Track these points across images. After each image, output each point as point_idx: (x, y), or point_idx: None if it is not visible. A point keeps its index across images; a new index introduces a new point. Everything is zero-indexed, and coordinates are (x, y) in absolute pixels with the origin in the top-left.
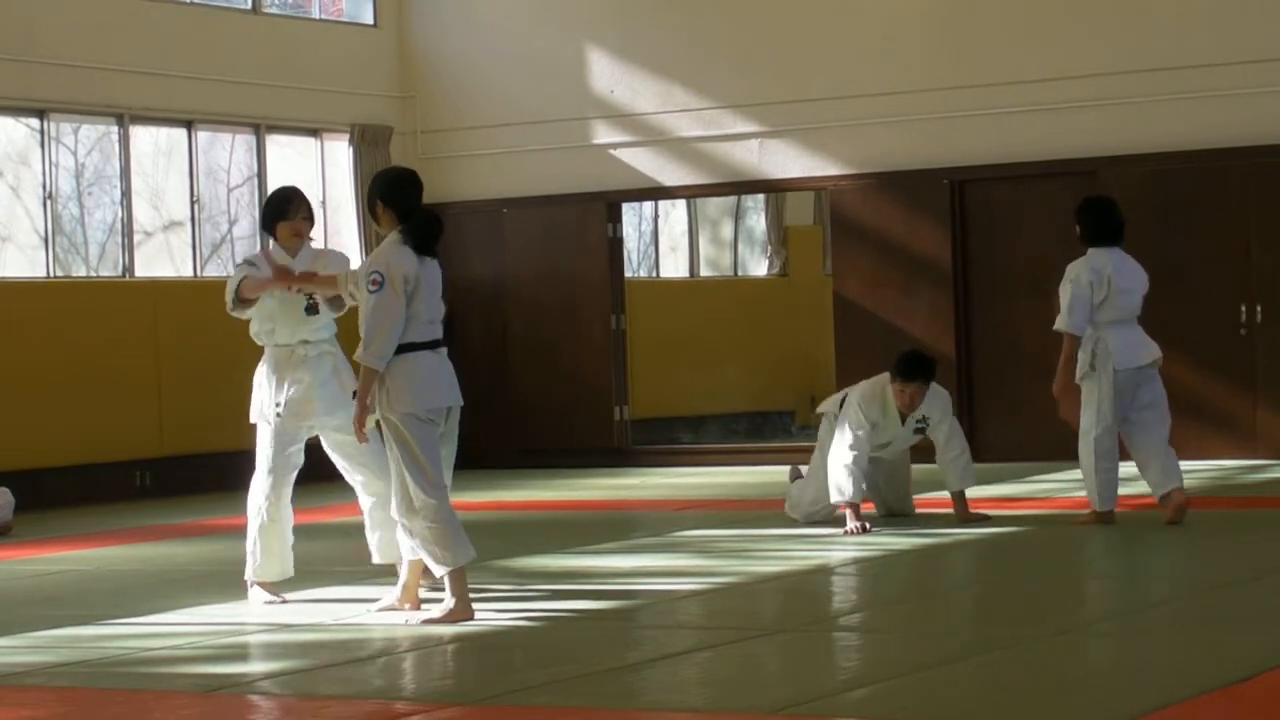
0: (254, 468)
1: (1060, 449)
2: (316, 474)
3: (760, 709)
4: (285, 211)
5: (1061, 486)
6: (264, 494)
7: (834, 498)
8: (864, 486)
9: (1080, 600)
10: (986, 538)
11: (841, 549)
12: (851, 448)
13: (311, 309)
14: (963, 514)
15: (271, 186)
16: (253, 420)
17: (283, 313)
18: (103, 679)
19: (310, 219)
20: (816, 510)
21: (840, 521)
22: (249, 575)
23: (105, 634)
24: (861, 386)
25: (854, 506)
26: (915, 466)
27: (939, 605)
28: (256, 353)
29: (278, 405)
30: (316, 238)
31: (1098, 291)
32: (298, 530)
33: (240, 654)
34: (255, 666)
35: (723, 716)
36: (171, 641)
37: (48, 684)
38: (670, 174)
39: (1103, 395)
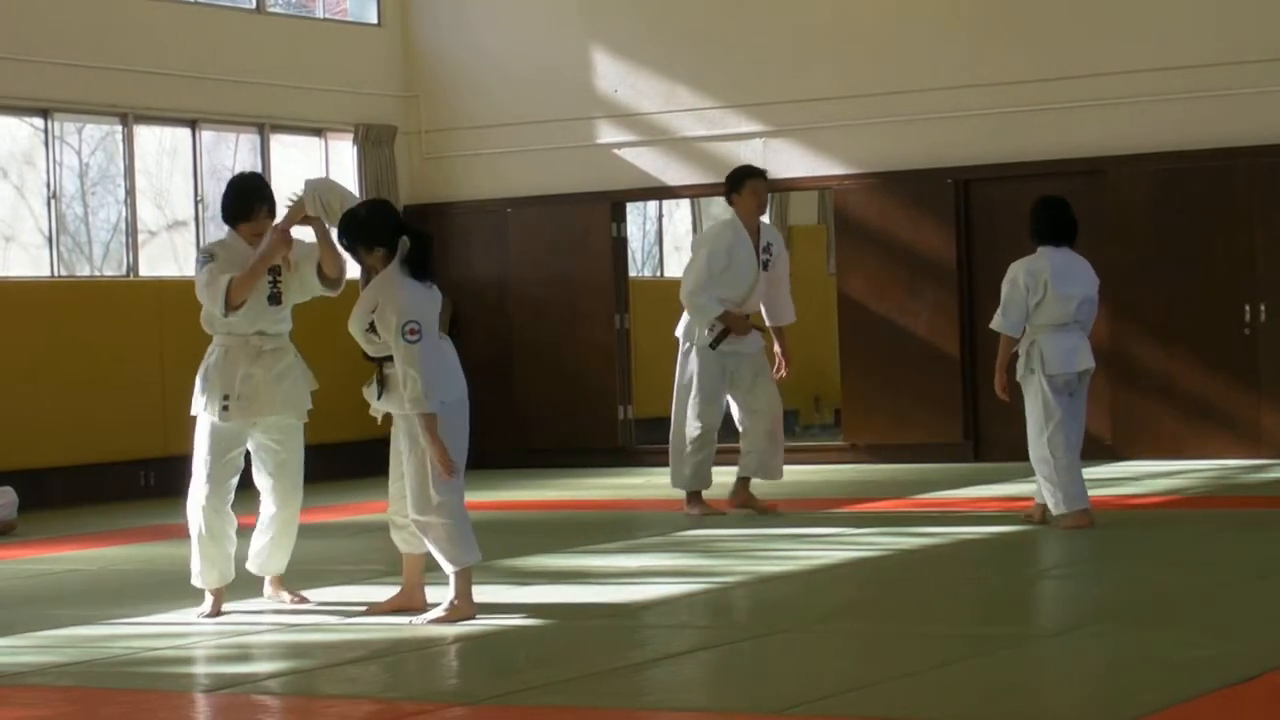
0: (191, 472)
1: None
2: (317, 475)
3: (764, 709)
4: (250, 211)
5: None
6: (201, 505)
7: (701, 321)
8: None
9: (1081, 600)
10: (987, 538)
11: (843, 549)
12: (704, 273)
13: (274, 298)
14: (783, 344)
15: (277, 186)
16: (194, 413)
17: None
18: (107, 679)
19: (273, 213)
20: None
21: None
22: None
23: (109, 634)
24: (706, 231)
25: (722, 320)
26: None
27: (940, 605)
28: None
29: (225, 400)
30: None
31: (1033, 294)
32: (302, 530)
33: (244, 654)
34: (259, 666)
35: (726, 716)
36: (175, 641)
37: (52, 684)
38: (674, 174)
39: (1045, 395)
